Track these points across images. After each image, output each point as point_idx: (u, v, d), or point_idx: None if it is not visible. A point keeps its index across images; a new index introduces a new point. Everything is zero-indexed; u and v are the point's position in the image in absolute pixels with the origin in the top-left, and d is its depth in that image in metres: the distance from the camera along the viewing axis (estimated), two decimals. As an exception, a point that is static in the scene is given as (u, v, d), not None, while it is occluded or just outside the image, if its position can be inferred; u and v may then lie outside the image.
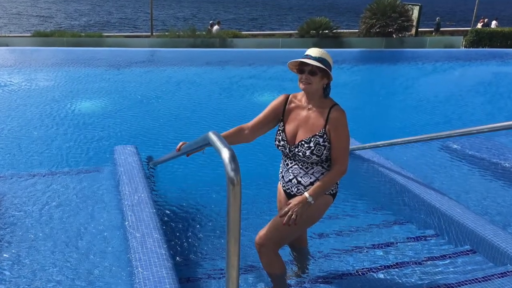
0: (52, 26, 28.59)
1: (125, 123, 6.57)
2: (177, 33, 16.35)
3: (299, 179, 2.60)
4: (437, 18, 23.50)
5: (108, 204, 3.76)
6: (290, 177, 2.64)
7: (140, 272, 2.65)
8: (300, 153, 2.54)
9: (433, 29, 23.22)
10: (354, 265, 3.13)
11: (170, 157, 3.85)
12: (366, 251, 3.33)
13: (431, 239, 3.54)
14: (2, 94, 7.93)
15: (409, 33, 17.92)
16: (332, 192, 2.66)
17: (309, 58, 2.47)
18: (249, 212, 3.89)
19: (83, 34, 17.12)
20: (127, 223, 3.23)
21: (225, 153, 1.84)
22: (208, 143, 2.15)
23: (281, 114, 2.69)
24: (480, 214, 3.69)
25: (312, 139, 2.53)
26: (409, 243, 3.47)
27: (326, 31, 17.15)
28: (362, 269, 3.06)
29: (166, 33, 17.19)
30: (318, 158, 2.54)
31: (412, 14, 17.93)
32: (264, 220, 3.60)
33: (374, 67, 13.26)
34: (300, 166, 2.60)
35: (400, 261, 3.17)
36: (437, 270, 3.06)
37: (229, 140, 2.22)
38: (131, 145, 4.97)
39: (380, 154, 4.81)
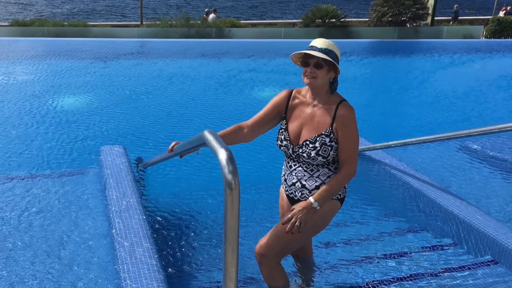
0: (32, 14, 28.61)
1: (112, 121, 6.58)
2: (169, 22, 16.37)
3: (304, 182, 2.60)
4: (455, 6, 23.51)
5: (93, 210, 3.76)
6: (294, 181, 2.64)
7: (128, 285, 2.65)
8: (305, 154, 2.55)
9: (450, 17, 23.24)
10: (364, 277, 3.13)
11: (161, 158, 3.85)
12: (377, 262, 3.34)
13: (448, 249, 3.54)
14: (-23, 89, 7.94)
15: (424, 22, 17.94)
16: (339, 197, 2.66)
17: (314, 50, 2.47)
18: (249, 219, 3.90)
19: (66, 23, 17.15)
20: (114, 231, 3.23)
21: (222, 154, 1.84)
22: (204, 143, 2.15)
23: (283, 111, 2.69)
24: (502, 221, 3.69)
25: (318, 138, 2.53)
26: (424, 253, 3.47)
27: (333, 20, 17.18)
28: (373, 281, 3.06)
29: (157, 22, 17.24)
30: (324, 160, 2.54)
31: (428, 1, 17.95)
32: (265, 227, 3.61)
33: (386, 59, 13.27)
34: (305, 169, 2.60)
35: (414, 272, 3.18)
36: (455, 282, 3.07)
37: (226, 140, 2.22)
38: (118, 145, 4.98)
39: (392, 155, 4.81)
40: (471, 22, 23.21)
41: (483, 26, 18.73)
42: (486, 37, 17.98)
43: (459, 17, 23.35)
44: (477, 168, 5.23)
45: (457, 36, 17.26)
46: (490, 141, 5.83)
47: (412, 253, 3.46)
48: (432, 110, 7.95)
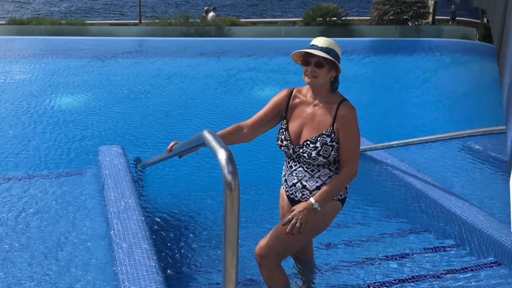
0: (29, 12, 28.58)
1: (110, 120, 6.57)
2: (168, 21, 16.35)
3: (304, 183, 2.60)
4: (452, 6, 23.51)
5: (91, 211, 3.75)
6: (294, 181, 2.64)
7: (127, 287, 2.65)
8: (305, 154, 2.54)
9: (449, 17, 23.23)
10: (365, 278, 3.13)
11: (160, 158, 3.85)
12: (379, 263, 3.33)
13: (450, 250, 3.54)
14: (-26, 88, 7.94)
15: (426, 20, 17.94)
16: (340, 198, 2.66)
17: (315, 49, 2.47)
18: (248, 220, 3.89)
19: (63, 21, 17.12)
20: (112, 232, 3.23)
21: (222, 154, 1.84)
22: (203, 143, 2.15)
23: (284, 111, 2.69)
24: (505, 222, 3.69)
25: (319, 138, 2.53)
26: (426, 254, 3.47)
27: (334, 18, 17.16)
28: (374, 283, 3.05)
29: (156, 21, 17.21)
30: (325, 160, 2.53)
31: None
32: (265, 228, 3.60)
33: (388, 58, 13.27)
34: (305, 169, 2.60)
35: (416, 274, 3.17)
36: (457, 284, 3.06)
37: (226, 140, 2.22)
38: (117, 145, 4.98)
39: (394, 155, 4.81)
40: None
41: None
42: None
43: (457, 18, 23.32)
44: (480, 168, 5.23)
45: (456, 36, 17.22)
46: (492, 141, 5.83)
47: (414, 255, 3.46)
48: (434, 109, 7.95)
